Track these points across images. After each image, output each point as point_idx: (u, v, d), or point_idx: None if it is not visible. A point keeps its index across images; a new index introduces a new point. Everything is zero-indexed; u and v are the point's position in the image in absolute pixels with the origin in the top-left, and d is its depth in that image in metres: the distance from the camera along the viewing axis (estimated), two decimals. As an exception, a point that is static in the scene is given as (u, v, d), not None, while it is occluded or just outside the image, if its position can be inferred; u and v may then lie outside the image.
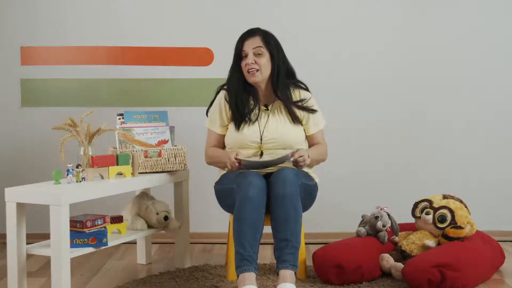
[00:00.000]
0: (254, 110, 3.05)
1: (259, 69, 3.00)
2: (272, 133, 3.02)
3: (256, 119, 3.04)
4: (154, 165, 3.11)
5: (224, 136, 3.12)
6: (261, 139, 3.02)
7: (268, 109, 3.07)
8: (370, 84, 3.82)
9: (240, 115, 3.03)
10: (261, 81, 3.03)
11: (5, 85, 3.83)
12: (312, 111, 3.08)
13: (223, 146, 3.15)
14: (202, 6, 3.80)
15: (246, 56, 3.00)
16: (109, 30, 3.80)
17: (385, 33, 3.81)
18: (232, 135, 3.06)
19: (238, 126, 3.02)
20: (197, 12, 3.80)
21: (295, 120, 3.05)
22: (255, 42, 3.00)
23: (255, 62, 2.99)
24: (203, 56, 3.81)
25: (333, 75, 3.81)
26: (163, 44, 3.80)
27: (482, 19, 3.80)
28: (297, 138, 3.03)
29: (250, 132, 3.02)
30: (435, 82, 3.82)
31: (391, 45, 3.81)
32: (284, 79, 3.04)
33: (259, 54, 2.99)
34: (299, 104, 3.06)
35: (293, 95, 3.08)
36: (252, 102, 3.06)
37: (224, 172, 3.08)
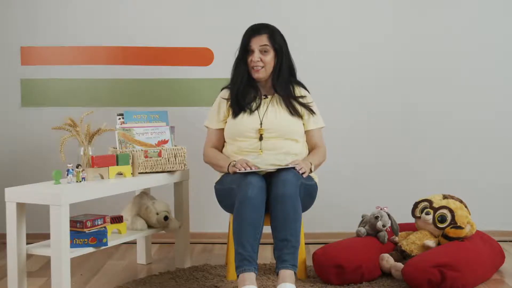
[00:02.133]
0: (255, 101, 3.09)
1: (264, 66, 3.06)
2: (271, 122, 3.04)
3: (256, 109, 3.08)
4: (154, 165, 3.10)
5: (222, 131, 3.15)
6: (261, 124, 3.04)
7: (267, 97, 3.11)
8: (370, 84, 3.82)
9: (238, 105, 3.08)
10: (266, 75, 3.09)
11: (5, 85, 3.83)
12: (311, 111, 3.10)
13: (223, 143, 3.17)
14: (202, 6, 3.80)
15: (253, 52, 3.05)
16: (109, 30, 3.80)
17: (385, 34, 3.80)
18: (231, 125, 3.10)
19: (236, 115, 3.07)
20: (197, 12, 3.80)
21: (295, 113, 3.07)
22: (262, 40, 3.05)
23: (261, 60, 3.05)
24: (203, 56, 3.81)
25: (334, 74, 3.81)
26: (163, 44, 3.80)
27: (482, 19, 3.80)
28: (296, 128, 3.06)
29: (249, 120, 3.06)
30: (436, 82, 3.82)
31: (391, 46, 3.81)
32: (285, 75, 3.09)
33: (265, 51, 3.05)
34: (300, 100, 3.10)
35: (296, 91, 3.12)
36: (253, 94, 3.11)
37: (225, 172, 3.08)
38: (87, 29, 3.80)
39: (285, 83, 3.09)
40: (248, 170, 2.88)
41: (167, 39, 3.80)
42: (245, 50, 3.08)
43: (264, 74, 3.08)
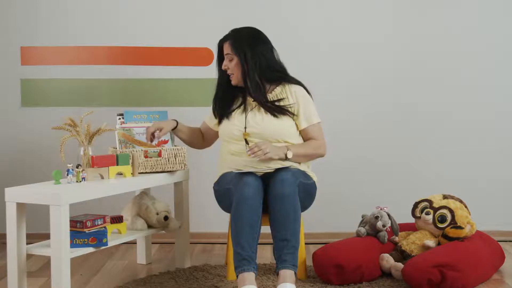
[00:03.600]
0: (241, 106, 3.11)
1: (232, 73, 3.09)
2: (256, 125, 3.03)
3: (243, 111, 3.08)
4: (154, 165, 3.10)
5: (209, 128, 3.26)
6: (245, 128, 3.03)
7: (255, 101, 3.10)
8: (370, 84, 3.82)
9: (219, 112, 3.15)
10: (239, 82, 3.10)
11: (5, 85, 3.83)
12: (290, 113, 3.05)
13: (209, 137, 3.30)
14: (202, 6, 3.80)
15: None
16: (109, 30, 3.80)
17: (385, 34, 3.80)
18: (221, 127, 3.14)
19: (221, 120, 3.14)
20: (197, 12, 3.80)
21: (279, 114, 3.04)
22: (226, 48, 3.10)
23: (228, 68, 3.09)
24: (203, 56, 3.81)
25: (334, 74, 3.81)
26: (163, 44, 3.80)
27: (482, 19, 3.80)
28: (284, 130, 3.03)
29: (236, 124, 3.06)
30: (436, 82, 3.82)
31: (391, 46, 3.81)
32: (254, 79, 3.04)
33: (230, 60, 3.08)
34: (274, 103, 3.05)
35: (283, 92, 3.09)
36: (240, 98, 3.13)
37: (222, 172, 3.08)
38: (87, 29, 3.80)
39: (254, 87, 3.04)
40: (243, 170, 2.89)
41: (167, 39, 3.80)
42: (219, 58, 3.15)
43: (236, 81, 3.09)
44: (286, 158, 2.96)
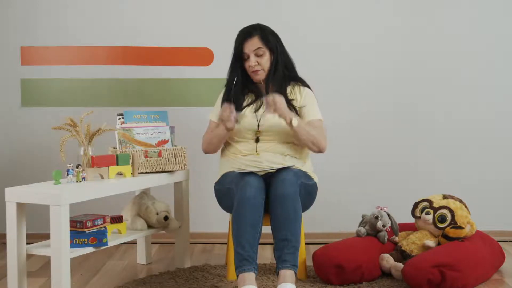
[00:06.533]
0: (255, 103, 3.07)
1: (263, 68, 3.05)
2: (269, 121, 3.01)
3: (256, 110, 3.06)
4: (154, 165, 3.10)
5: None
6: (258, 125, 3.03)
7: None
8: (370, 84, 3.82)
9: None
10: (264, 78, 3.07)
11: (5, 85, 3.83)
12: (296, 111, 3.04)
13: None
14: (202, 6, 3.80)
15: (248, 57, 3.04)
16: (109, 30, 3.80)
17: (384, 34, 3.80)
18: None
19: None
20: (197, 12, 3.80)
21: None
22: (254, 44, 3.03)
23: (258, 63, 3.04)
24: (203, 56, 3.81)
25: (334, 74, 3.81)
26: (163, 44, 3.80)
27: (482, 19, 3.80)
28: (288, 128, 3.02)
29: (248, 122, 3.04)
30: (435, 82, 3.82)
31: (391, 46, 3.81)
32: (279, 73, 3.05)
33: (260, 54, 3.03)
34: (289, 102, 3.05)
35: (292, 92, 3.09)
36: (253, 96, 3.10)
37: (223, 172, 3.08)
38: (87, 29, 3.80)
39: (278, 82, 3.06)
40: (246, 170, 2.89)
41: (167, 39, 3.80)
42: (239, 55, 3.07)
43: (264, 75, 3.06)
44: (291, 124, 2.90)
